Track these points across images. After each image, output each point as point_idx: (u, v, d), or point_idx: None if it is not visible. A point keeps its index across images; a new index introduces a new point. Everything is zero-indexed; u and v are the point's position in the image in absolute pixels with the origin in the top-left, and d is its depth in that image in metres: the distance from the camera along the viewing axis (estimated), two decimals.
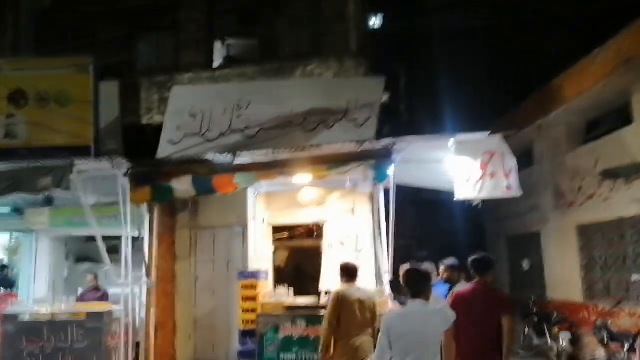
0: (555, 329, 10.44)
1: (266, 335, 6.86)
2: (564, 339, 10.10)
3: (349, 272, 6.19)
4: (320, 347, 5.74)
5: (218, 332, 9.49)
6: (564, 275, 11.25)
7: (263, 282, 7.76)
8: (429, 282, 4.56)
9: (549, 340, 10.48)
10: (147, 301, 8.76)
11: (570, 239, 10.92)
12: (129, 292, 8.37)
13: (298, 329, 6.75)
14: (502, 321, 5.00)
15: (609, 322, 8.88)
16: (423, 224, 16.20)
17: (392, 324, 4.18)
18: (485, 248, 13.70)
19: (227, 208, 9.76)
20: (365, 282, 8.24)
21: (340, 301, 5.84)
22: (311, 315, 6.78)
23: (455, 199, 7.07)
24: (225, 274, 9.70)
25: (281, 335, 6.81)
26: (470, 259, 5.45)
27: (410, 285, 4.40)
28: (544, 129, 11.73)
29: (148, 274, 8.79)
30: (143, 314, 8.68)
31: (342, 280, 6.21)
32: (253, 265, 8.48)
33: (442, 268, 6.91)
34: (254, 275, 7.64)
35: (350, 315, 5.89)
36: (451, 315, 4.41)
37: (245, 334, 7.43)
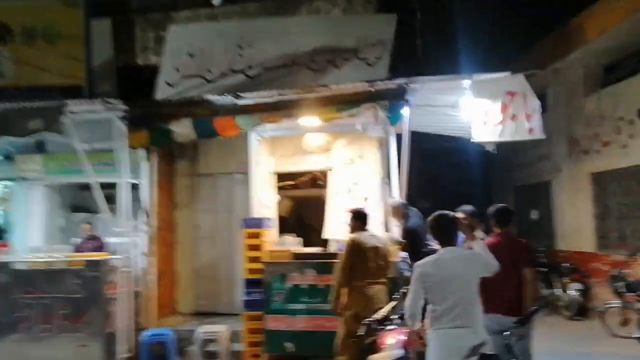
0: (565, 280, 10.20)
1: (273, 284, 6.54)
2: (574, 289, 9.87)
3: (361, 218, 5.82)
4: (332, 295, 5.42)
5: (220, 282, 9.20)
6: (575, 225, 10.93)
7: (268, 231, 7.39)
8: (456, 228, 4.22)
9: (558, 291, 10.25)
10: (147, 250, 8.42)
11: (583, 188, 10.56)
12: (128, 241, 8.02)
13: (307, 278, 6.42)
14: (525, 272, 4.84)
15: (626, 272, 8.60)
16: (425, 175, 15.78)
17: (427, 271, 3.94)
18: (490, 199, 13.37)
19: (227, 154, 9.33)
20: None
21: (356, 248, 5.49)
22: (321, 264, 6.43)
23: (471, 141, 6.65)
24: (227, 223, 9.35)
25: (289, 284, 6.48)
26: (492, 210, 5.23)
27: (440, 233, 4.07)
28: (559, 73, 11.19)
29: (147, 222, 8.42)
30: (143, 264, 8.35)
31: (354, 227, 5.83)
32: (257, 213, 8.10)
33: (460, 215, 6.53)
34: (259, 223, 7.26)
35: (365, 262, 5.55)
36: (491, 261, 4.08)
37: (251, 284, 7.10)
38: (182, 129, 7.13)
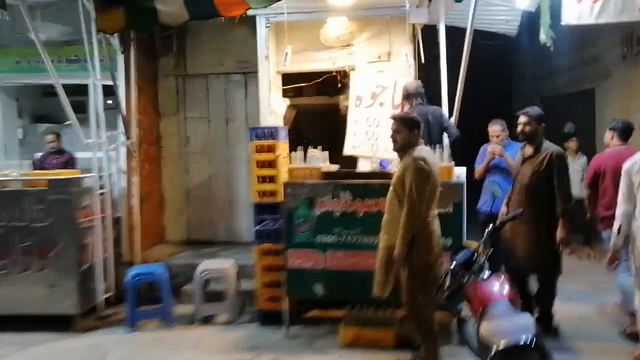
0: None
1: (297, 211, 5.03)
2: None
3: (418, 126, 4.21)
4: (402, 238, 3.91)
5: (216, 205, 7.71)
6: None
7: (284, 143, 5.81)
8: None
9: None
10: (127, 167, 6.81)
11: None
12: (102, 156, 6.40)
13: (342, 204, 4.91)
14: None
15: None
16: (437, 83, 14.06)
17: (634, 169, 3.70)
18: (512, 109, 11.87)
19: (223, 49, 7.58)
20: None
21: (429, 170, 3.96)
22: (361, 186, 4.91)
23: (563, 23, 5.06)
24: (222, 134, 7.74)
25: (318, 211, 4.99)
26: (617, 124, 5.36)
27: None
28: None
29: (127, 133, 6.75)
30: (123, 184, 6.77)
31: (409, 140, 4.20)
32: (265, 122, 6.48)
33: (523, 120, 5.13)
34: (274, 133, 5.66)
35: (434, 190, 4.05)
36: None
37: (262, 210, 5.60)
38: (171, 7, 5.33)
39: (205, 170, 7.75)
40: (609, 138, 5.33)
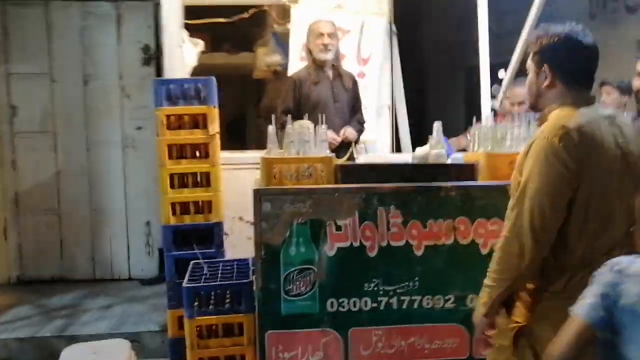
0: None
1: (283, 250, 2.26)
2: None
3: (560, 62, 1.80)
4: (494, 282, 1.59)
5: (71, 222, 4.64)
6: None
7: (215, 112, 3.06)
8: None
9: None
10: None
11: None
12: None
13: (379, 231, 2.25)
14: None
15: None
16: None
17: None
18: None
19: None
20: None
21: (580, 155, 1.56)
22: (419, 194, 2.36)
23: None
24: (79, 103, 4.64)
25: (329, 248, 2.26)
26: None
27: None
28: None
29: None
30: None
31: (537, 81, 1.79)
32: (174, 74, 3.64)
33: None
34: (201, 90, 2.92)
35: (604, 194, 1.64)
36: None
37: (183, 239, 2.89)
38: None
39: (48, 162, 4.58)
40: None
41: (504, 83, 4.14)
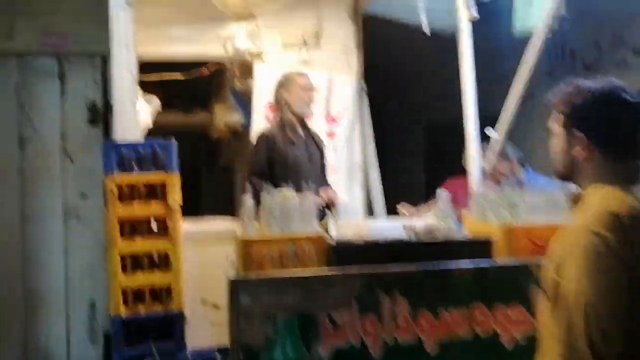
0: None
1: (267, 354, 1.86)
2: None
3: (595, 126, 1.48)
4: None
5: (2, 308, 3.96)
6: None
7: (176, 179, 2.59)
8: None
9: None
10: None
11: None
12: None
13: (384, 326, 1.83)
14: None
15: None
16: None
17: None
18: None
19: (15, 9, 4.06)
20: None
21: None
22: (428, 278, 1.93)
23: None
24: (12, 167, 4.08)
25: (322, 349, 1.84)
26: None
27: None
28: None
29: None
30: None
31: (569, 149, 1.46)
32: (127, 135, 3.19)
33: None
34: (158, 154, 2.48)
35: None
36: None
37: (138, 334, 2.38)
38: None
39: None
40: None
41: (496, 145, 3.81)
